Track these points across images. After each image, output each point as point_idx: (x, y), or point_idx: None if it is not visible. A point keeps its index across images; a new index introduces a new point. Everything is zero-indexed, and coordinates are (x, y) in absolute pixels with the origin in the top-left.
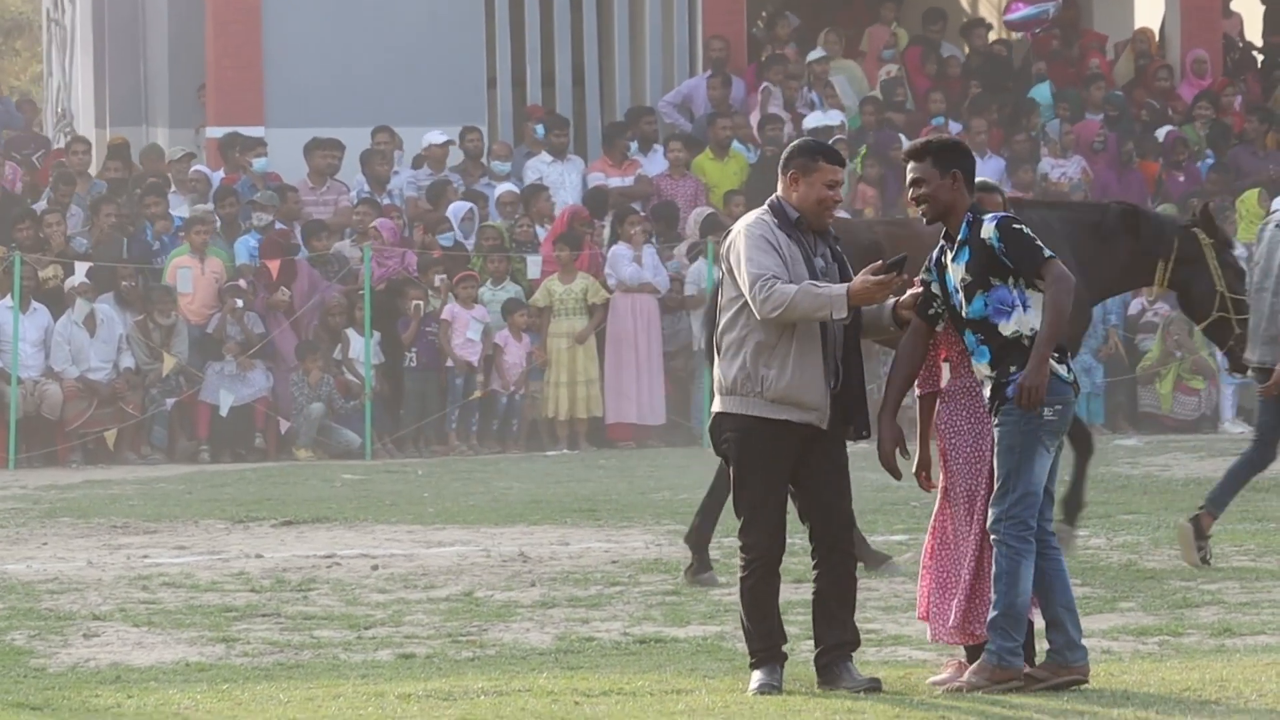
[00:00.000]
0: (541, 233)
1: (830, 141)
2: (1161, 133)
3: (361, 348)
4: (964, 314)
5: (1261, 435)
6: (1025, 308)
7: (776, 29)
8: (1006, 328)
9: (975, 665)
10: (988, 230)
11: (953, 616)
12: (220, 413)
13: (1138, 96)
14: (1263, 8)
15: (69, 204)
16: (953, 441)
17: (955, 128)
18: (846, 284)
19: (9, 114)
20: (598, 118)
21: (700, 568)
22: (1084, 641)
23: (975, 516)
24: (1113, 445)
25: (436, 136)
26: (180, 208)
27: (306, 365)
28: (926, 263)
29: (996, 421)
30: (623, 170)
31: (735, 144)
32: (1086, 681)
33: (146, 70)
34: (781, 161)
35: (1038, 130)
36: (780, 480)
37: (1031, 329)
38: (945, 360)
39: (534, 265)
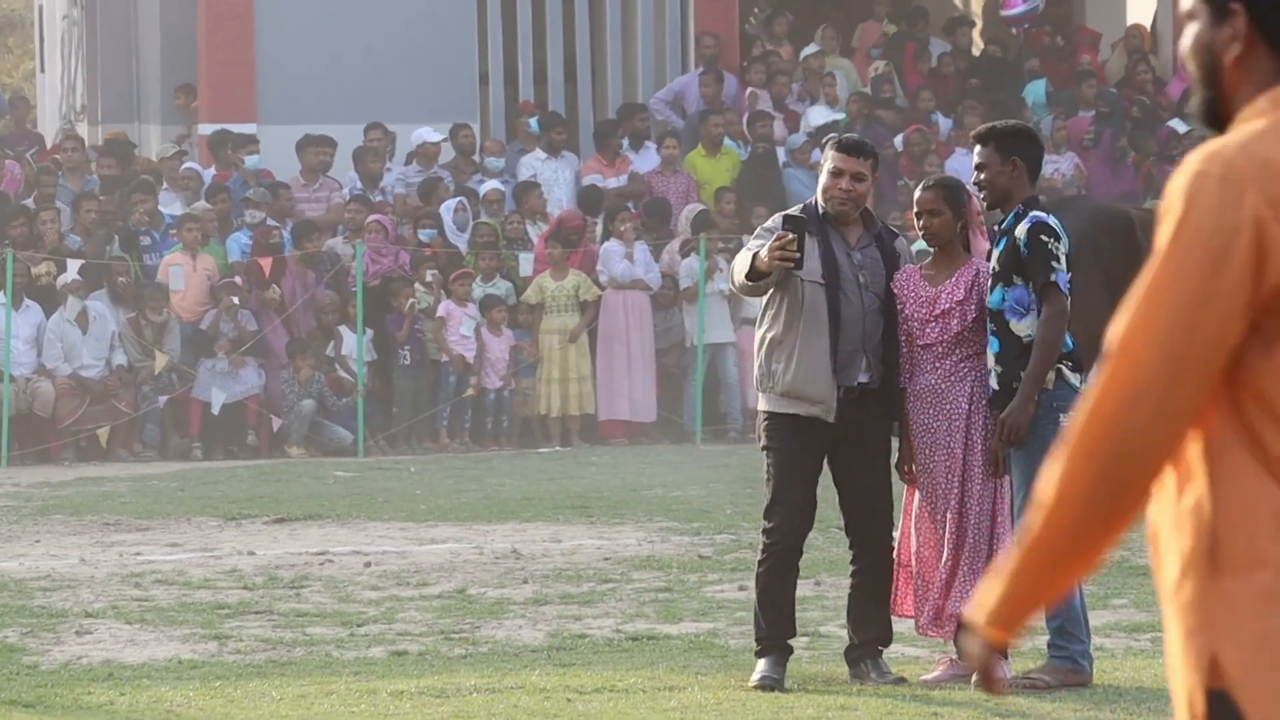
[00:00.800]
0: (533, 230)
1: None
2: (1170, 126)
3: (353, 345)
4: (977, 301)
5: None
6: (1040, 313)
7: (773, 26)
8: (1019, 328)
9: (1049, 666)
10: (1021, 229)
11: (928, 611)
12: (212, 410)
13: (1127, 94)
14: None
15: (53, 199)
16: (927, 439)
17: (946, 124)
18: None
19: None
20: (590, 114)
21: None
22: None
23: (952, 511)
24: None
25: (429, 134)
26: (172, 205)
27: (297, 362)
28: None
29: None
30: (615, 168)
31: (727, 141)
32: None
33: (139, 67)
34: None
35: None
36: (800, 473)
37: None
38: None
39: (526, 262)
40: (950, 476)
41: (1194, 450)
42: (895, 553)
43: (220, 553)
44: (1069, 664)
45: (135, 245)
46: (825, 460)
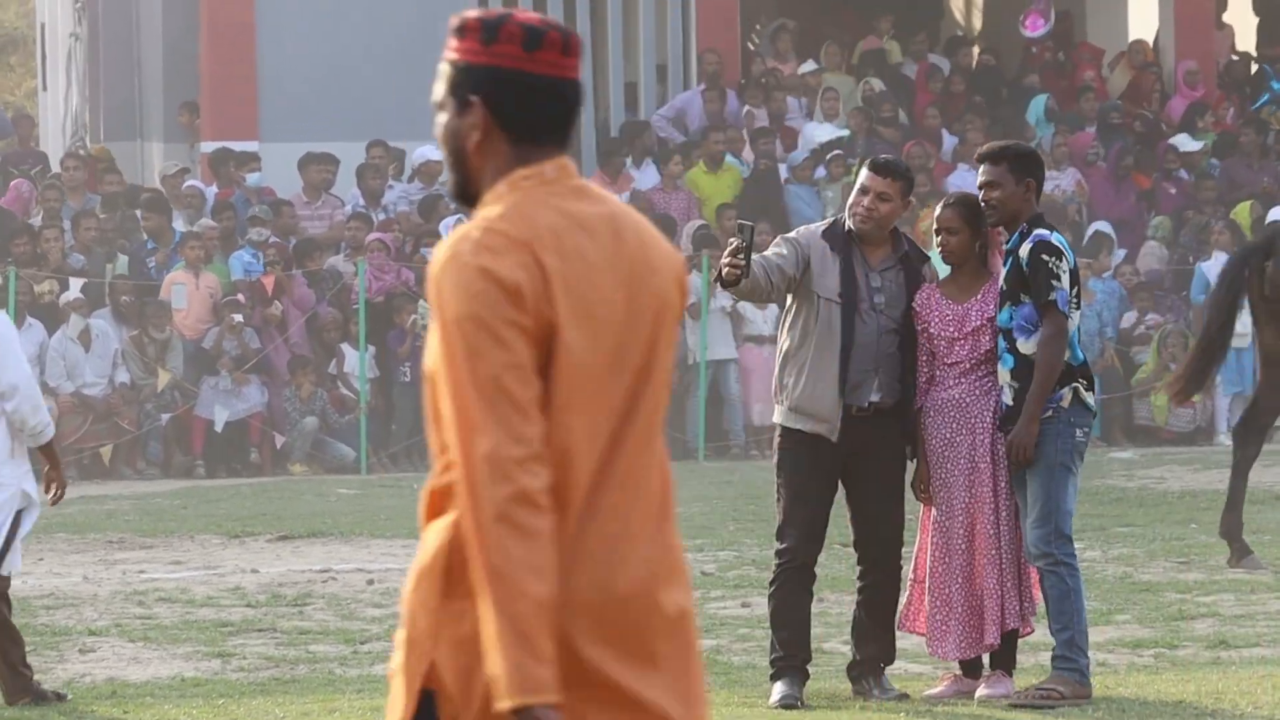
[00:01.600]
0: None
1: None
2: (1169, 143)
3: (356, 362)
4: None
5: None
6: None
7: (775, 43)
8: (1026, 346)
9: (1060, 678)
10: (1024, 249)
11: (957, 633)
12: (215, 428)
13: (1130, 109)
14: (1255, 20)
15: (59, 217)
16: (948, 453)
17: (950, 140)
18: None
19: (3, 127)
20: (592, 132)
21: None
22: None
23: (977, 531)
24: (1108, 458)
25: (432, 152)
26: (175, 223)
27: (299, 380)
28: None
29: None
30: (617, 186)
31: (729, 157)
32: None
33: (141, 85)
34: None
35: (1034, 142)
36: (810, 491)
37: None
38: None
39: None
40: (971, 491)
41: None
42: (911, 569)
43: (223, 570)
44: (1078, 676)
45: (142, 262)
46: (840, 479)
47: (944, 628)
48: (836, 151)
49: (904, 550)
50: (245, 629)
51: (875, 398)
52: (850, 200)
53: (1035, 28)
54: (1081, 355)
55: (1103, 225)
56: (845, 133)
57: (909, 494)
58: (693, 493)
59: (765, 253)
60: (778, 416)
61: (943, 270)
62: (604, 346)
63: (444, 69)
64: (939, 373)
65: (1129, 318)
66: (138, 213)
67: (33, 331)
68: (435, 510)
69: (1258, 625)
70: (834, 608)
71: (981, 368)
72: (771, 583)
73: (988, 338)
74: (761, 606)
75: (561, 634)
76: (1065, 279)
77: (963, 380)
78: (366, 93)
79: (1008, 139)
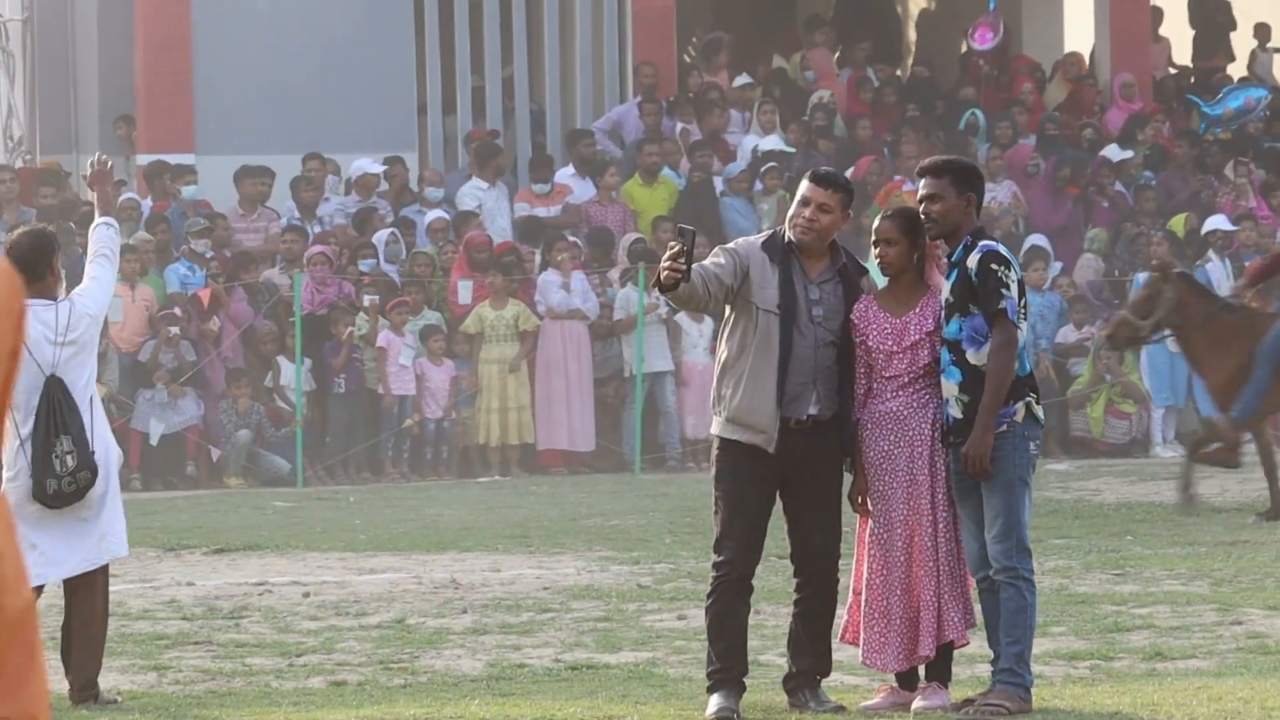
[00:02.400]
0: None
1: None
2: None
3: (292, 375)
4: (942, 331)
5: None
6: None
7: (711, 55)
8: (975, 357)
9: (1005, 693)
10: (973, 259)
11: (895, 645)
12: (151, 441)
13: (1067, 121)
14: (1191, 33)
15: None
16: (886, 466)
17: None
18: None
19: None
20: (528, 143)
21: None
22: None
23: (915, 543)
24: (1044, 470)
25: (369, 166)
26: None
27: (234, 393)
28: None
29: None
30: (549, 199)
31: (665, 170)
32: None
33: (76, 98)
34: None
35: (971, 155)
36: (747, 503)
37: None
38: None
39: (465, 290)
40: (909, 503)
41: None
42: (851, 580)
43: (159, 583)
44: (1022, 692)
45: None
46: (778, 491)
47: (882, 639)
48: (772, 164)
49: (841, 563)
50: (181, 642)
51: (813, 410)
52: (791, 212)
53: (984, 40)
54: (1029, 367)
55: (1039, 239)
56: (780, 145)
57: (846, 506)
58: (629, 505)
59: (704, 262)
60: (715, 428)
61: (881, 282)
62: None
63: None
64: (877, 385)
65: (1065, 332)
66: (72, 225)
67: None
68: None
69: (1193, 637)
70: (770, 620)
71: (920, 381)
72: (709, 595)
73: (926, 352)
74: (698, 619)
75: None
76: (1014, 288)
77: (901, 393)
78: (302, 106)
79: (948, 154)
